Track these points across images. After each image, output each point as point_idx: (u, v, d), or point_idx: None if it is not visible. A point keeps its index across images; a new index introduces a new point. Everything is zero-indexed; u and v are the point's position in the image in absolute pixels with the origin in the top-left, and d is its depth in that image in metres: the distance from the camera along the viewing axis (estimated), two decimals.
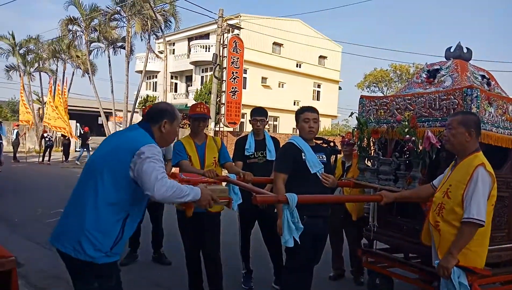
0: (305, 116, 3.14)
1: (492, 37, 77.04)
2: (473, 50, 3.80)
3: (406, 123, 3.34)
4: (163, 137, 2.26)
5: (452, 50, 3.81)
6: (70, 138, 17.96)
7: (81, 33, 19.66)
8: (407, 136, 3.27)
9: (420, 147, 3.25)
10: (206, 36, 27.44)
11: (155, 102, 24.71)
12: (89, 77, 19.79)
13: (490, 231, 3.36)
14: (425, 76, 3.80)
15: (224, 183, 3.29)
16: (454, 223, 2.48)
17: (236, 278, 4.23)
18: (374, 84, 39.82)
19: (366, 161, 3.79)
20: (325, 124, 27.81)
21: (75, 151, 22.42)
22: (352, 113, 3.99)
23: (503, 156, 3.54)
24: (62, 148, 19.02)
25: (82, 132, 18.72)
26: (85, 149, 17.95)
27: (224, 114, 18.36)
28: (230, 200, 2.56)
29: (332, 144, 4.32)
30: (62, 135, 18.66)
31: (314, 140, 3.28)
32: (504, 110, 3.34)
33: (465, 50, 3.78)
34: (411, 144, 3.25)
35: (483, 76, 3.67)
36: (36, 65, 25.16)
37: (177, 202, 2.12)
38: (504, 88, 3.79)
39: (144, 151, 2.03)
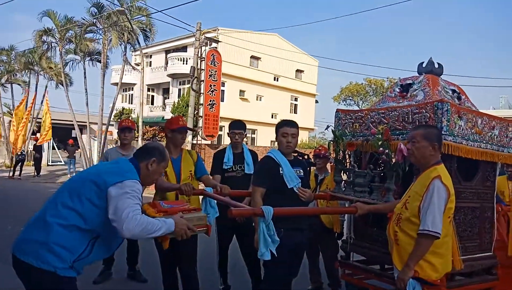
0: (284, 130, 3.15)
1: (463, 53, 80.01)
2: (444, 65, 3.93)
3: (380, 136, 3.40)
4: (148, 175, 2.31)
5: (424, 65, 3.92)
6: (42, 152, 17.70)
7: (56, 45, 19.32)
8: (381, 148, 3.32)
9: (394, 160, 3.31)
10: (183, 48, 27.43)
11: (131, 114, 24.47)
12: (64, 89, 19.40)
13: (462, 241, 3.46)
14: (398, 91, 3.88)
15: (200, 198, 3.26)
16: (410, 233, 2.53)
17: None
18: (350, 98, 40.59)
19: (342, 174, 3.83)
20: (302, 136, 28.05)
21: (47, 165, 21.88)
22: (327, 126, 4.03)
23: (474, 168, 3.65)
24: (33, 163, 18.58)
25: (68, 145, 18.97)
26: (71, 160, 18.16)
27: (202, 127, 18.27)
28: (208, 227, 2.48)
29: (306, 157, 4.36)
30: (34, 149, 18.22)
31: (292, 154, 3.30)
32: (473, 124, 3.44)
33: (436, 66, 3.89)
34: (385, 157, 3.31)
35: (453, 91, 3.79)
36: (7, 76, 24.53)
37: (149, 237, 2.10)
38: (474, 102, 3.92)
39: (126, 184, 2.07)
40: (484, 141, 3.53)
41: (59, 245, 2.03)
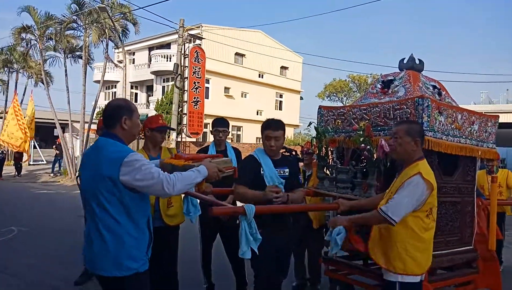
0: (267, 133, 3.10)
1: (444, 49, 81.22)
2: (425, 61, 3.95)
3: (362, 132, 3.41)
4: (127, 133, 2.22)
5: (405, 61, 3.94)
6: (24, 152, 17.45)
7: (36, 42, 18.89)
8: (363, 145, 3.33)
9: (375, 156, 3.32)
10: (167, 45, 27.18)
11: None
12: (44, 87, 18.96)
13: (443, 235, 3.50)
14: (380, 87, 3.90)
15: (182, 196, 3.22)
16: (393, 228, 2.55)
17: None
18: (334, 94, 40.82)
19: (325, 170, 3.83)
20: (287, 133, 27.92)
21: (29, 164, 21.47)
22: (310, 123, 4.03)
23: (454, 163, 3.69)
24: (13, 162, 18.28)
25: (57, 144, 18.98)
26: (59, 159, 18.47)
27: (186, 124, 18.14)
28: (234, 169, 2.63)
29: (293, 153, 4.37)
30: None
31: (280, 153, 3.26)
32: (453, 119, 3.48)
33: (417, 62, 3.92)
34: (367, 153, 3.32)
35: (434, 86, 3.82)
36: None
37: (190, 187, 2.23)
38: (454, 98, 3.96)
39: (127, 169, 2.04)
40: (464, 136, 3.57)
41: (131, 248, 2.10)
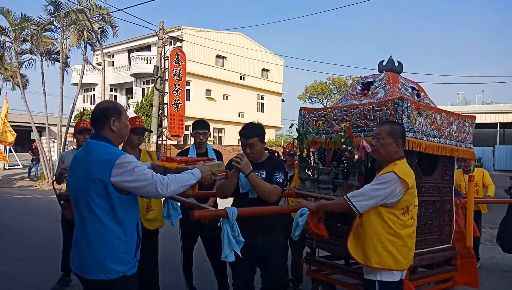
0: (242, 141, 3.06)
1: (421, 51, 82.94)
2: (404, 63, 4.01)
3: (343, 133, 3.43)
4: (116, 135, 2.19)
5: (384, 63, 3.99)
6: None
7: (11, 44, 18.40)
8: (344, 146, 3.35)
9: (356, 156, 3.34)
10: (147, 48, 26.89)
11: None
12: (20, 90, 18.45)
13: (423, 234, 3.55)
14: (360, 88, 3.94)
15: (162, 200, 3.17)
16: (372, 227, 2.58)
17: None
18: (315, 96, 41.15)
19: (306, 171, 3.84)
20: (269, 135, 28.19)
21: (4, 169, 20.91)
22: (292, 125, 4.03)
23: (433, 163, 3.75)
24: None
25: (33, 147, 18.59)
26: (36, 164, 18.05)
27: (167, 126, 17.97)
28: (227, 173, 2.64)
29: (275, 154, 4.35)
30: None
31: (264, 155, 3.18)
32: (432, 120, 3.53)
33: (396, 64, 3.97)
34: (348, 154, 3.34)
35: (413, 88, 3.87)
36: None
37: (183, 189, 2.21)
38: (432, 99, 4.03)
39: (119, 171, 2.02)
40: (443, 137, 3.63)
41: (119, 251, 2.08)
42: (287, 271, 3.22)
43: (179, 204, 2.96)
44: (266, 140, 3.21)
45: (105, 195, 2.04)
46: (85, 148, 2.18)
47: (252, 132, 3.03)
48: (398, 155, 2.65)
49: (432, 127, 3.53)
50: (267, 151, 3.73)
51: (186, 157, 2.96)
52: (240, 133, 3.08)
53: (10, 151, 22.56)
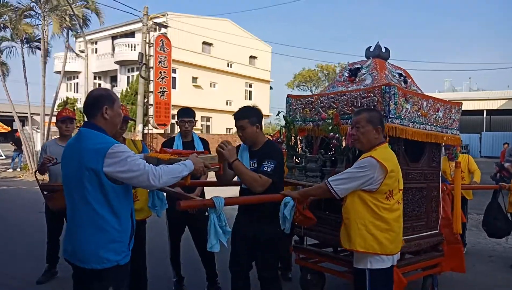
0: (235, 124, 2.99)
1: (409, 37, 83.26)
2: (391, 49, 3.98)
3: (330, 121, 3.40)
4: (109, 123, 2.17)
5: (371, 49, 3.95)
6: None
7: None
8: (331, 133, 3.32)
9: (344, 144, 3.32)
10: (131, 34, 26.40)
11: (76, 104, 23.32)
12: (0, 78, 17.97)
13: (410, 221, 3.56)
14: (347, 75, 3.90)
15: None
16: (356, 212, 2.58)
17: (167, 286, 4.06)
18: (303, 84, 41.12)
19: (294, 159, 3.81)
20: None
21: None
22: (279, 112, 3.99)
23: (420, 150, 3.75)
24: None
25: (15, 137, 18.12)
26: (19, 154, 17.61)
27: (152, 115, 17.76)
28: (220, 166, 2.59)
29: None
30: None
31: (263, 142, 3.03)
32: (419, 106, 3.52)
33: (383, 50, 3.94)
34: (335, 141, 3.31)
35: (400, 74, 3.85)
36: None
37: (175, 181, 2.19)
38: (420, 86, 4.02)
39: (111, 161, 1.99)
40: (429, 123, 3.63)
41: (113, 240, 2.06)
42: (276, 267, 3.13)
43: (165, 194, 2.91)
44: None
45: (98, 185, 2.02)
46: (77, 137, 2.17)
47: (241, 115, 2.93)
48: (378, 141, 2.64)
49: (418, 113, 3.52)
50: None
51: (179, 150, 2.89)
52: (234, 116, 3.01)
53: None
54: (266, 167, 2.80)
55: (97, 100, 2.16)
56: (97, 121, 2.14)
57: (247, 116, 2.93)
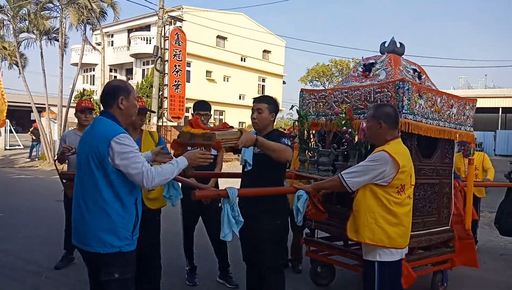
0: (252, 107, 3.05)
1: (426, 34, 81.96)
2: (406, 45, 3.98)
3: (343, 115, 3.43)
4: (124, 114, 2.26)
5: (386, 45, 3.96)
6: None
7: (9, 22, 18.19)
8: (344, 128, 3.36)
9: (356, 138, 3.35)
10: (146, 28, 26.58)
11: (93, 96, 23.63)
12: (19, 70, 18.32)
13: (421, 216, 3.58)
14: (361, 70, 3.92)
15: None
16: (366, 205, 2.60)
17: (180, 275, 4.15)
18: (316, 79, 40.88)
19: (306, 153, 3.86)
20: None
21: (5, 149, 20.96)
22: (292, 106, 4.03)
23: (433, 146, 3.76)
24: None
25: (33, 128, 18.55)
26: (36, 144, 18.04)
27: (167, 108, 17.91)
28: (239, 142, 2.59)
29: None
30: None
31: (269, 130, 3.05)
32: (433, 102, 3.53)
33: (398, 45, 3.94)
34: (348, 136, 3.34)
35: (414, 70, 3.86)
36: None
37: (167, 182, 2.30)
38: (435, 83, 4.01)
39: (114, 149, 2.07)
40: (443, 120, 3.64)
41: (116, 226, 2.12)
42: (278, 258, 3.07)
43: (180, 184, 2.98)
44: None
45: (103, 169, 2.10)
46: (93, 124, 2.29)
47: (263, 98, 3.05)
48: (389, 136, 2.64)
49: (432, 109, 3.52)
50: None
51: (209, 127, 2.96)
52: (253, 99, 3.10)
53: (10, 131, 22.58)
54: (286, 141, 2.84)
55: (114, 91, 2.25)
56: (112, 111, 2.24)
57: (268, 102, 3.02)
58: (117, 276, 2.15)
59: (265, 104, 2.99)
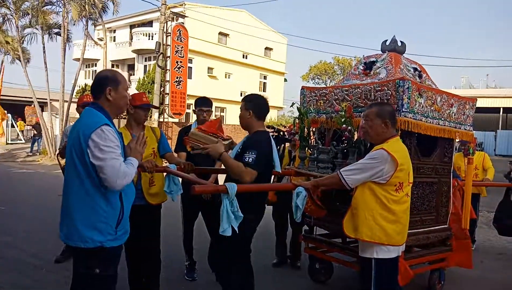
0: None
1: (425, 33, 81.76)
2: (408, 44, 3.99)
3: (343, 113, 3.44)
4: (113, 105, 2.19)
5: (387, 43, 3.97)
6: None
7: (11, 17, 18.18)
8: (344, 125, 3.37)
9: (356, 136, 3.37)
10: (149, 23, 26.56)
11: None
12: (21, 64, 18.32)
13: (419, 214, 3.60)
14: (362, 68, 3.93)
15: (164, 174, 3.22)
16: (365, 202, 2.63)
17: (180, 270, 4.18)
18: (318, 77, 40.84)
19: (306, 150, 3.88)
20: (271, 115, 28.10)
21: (6, 143, 21.02)
22: (293, 104, 4.06)
23: (433, 145, 3.77)
24: None
25: (35, 123, 18.76)
26: (38, 139, 18.17)
27: (168, 104, 17.93)
28: (203, 146, 2.83)
29: (282, 133, 4.43)
30: None
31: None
32: (433, 101, 3.55)
33: (399, 44, 3.95)
34: (348, 134, 3.36)
35: (415, 69, 3.87)
36: None
37: (128, 182, 2.17)
38: (436, 82, 4.02)
39: (92, 143, 2.00)
40: (442, 118, 3.65)
41: (98, 220, 2.05)
42: (233, 261, 3.02)
43: (180, 179, 3.01)
44: (268, 120, 3.18)
45: (84, 161, 2.03)
46: (81, 115, 2.25)
47: (243, 97, 3.08)
48: (389, 134, 2.67)
49: (432, 108, 3.53)
50: (273, 130, 3.71)
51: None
52: None
53: (12, 125, 22.63)
54: (247, 158, 2.72)
55: (101, 82, 2.19)
56: (101, 102, 2.17)
57: (245, 100, 3.03)
58: (98, 271, 2.09)
59: (242, 102, 3.02)
